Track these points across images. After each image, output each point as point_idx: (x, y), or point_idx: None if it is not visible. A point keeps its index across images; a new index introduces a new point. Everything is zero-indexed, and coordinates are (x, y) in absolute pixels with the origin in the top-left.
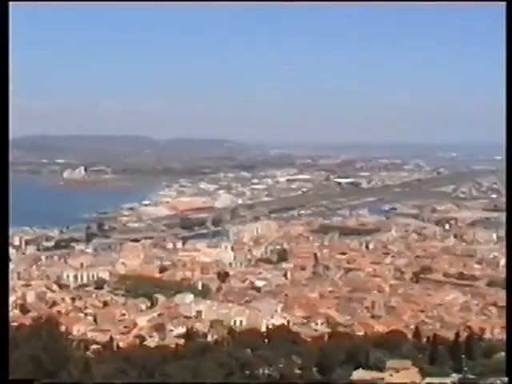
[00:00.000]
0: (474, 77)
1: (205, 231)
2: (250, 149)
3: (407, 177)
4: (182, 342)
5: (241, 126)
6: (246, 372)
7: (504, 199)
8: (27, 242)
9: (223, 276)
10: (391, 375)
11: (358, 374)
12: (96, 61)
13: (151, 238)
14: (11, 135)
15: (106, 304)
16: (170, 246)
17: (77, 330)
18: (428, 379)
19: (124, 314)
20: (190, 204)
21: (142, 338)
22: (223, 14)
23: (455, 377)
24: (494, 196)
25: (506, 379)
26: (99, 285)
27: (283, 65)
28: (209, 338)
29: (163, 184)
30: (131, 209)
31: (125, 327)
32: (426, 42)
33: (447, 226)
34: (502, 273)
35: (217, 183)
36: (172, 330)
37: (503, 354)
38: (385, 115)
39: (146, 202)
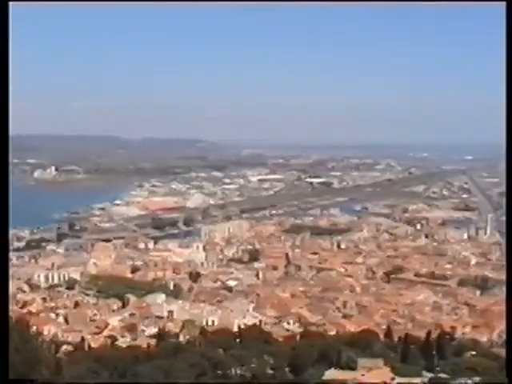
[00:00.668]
0: (447, 78)
1: (176, 231)
2: (222, 149)
3: (379, 177)
4: (153, 342)
5: (213, 125)
6: (219, 372)
7: (475, 199)
8: None
9: (195, 276)
10: (363, 374)
11: (331, 374)
12: (68, 61)
13: (123, 238)
14: None
15: (77, 304)
16: (141, 246)
17: (48, 330)
18: (399, 379)
19: (95, 314)
20: (161, 204)
21: (114, 339)
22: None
23: (427, 375)
24: (465, 196)
25: (476, 379)
26: (70, 285)
27: (256, 66)
28: (181, 338)
29: (135, 184)
30: (102, 209)
31: (96, 327)
32: (407, 43)
33: (418, 226)
34: (473, 272)
35: (188, 183)
36: (144, 330)
37: (474, 352)
38: (356, 115)
39: (118, 202)
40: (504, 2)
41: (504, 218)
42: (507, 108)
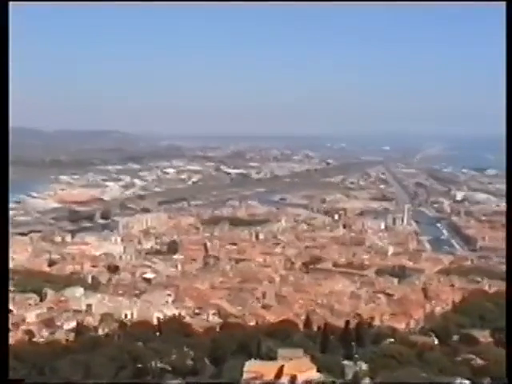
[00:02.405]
0: (367, 72)
1: (94, 224)
2: (138, 140)
3: (297, 167)
4: (72, 336)
5: (130, 116)
6: (138, 365)
7: (392, 189)
8: None
9: (113, 269)
10: (283, 364)
11: (251, 364)
12: None
13: (39, 231)
14: None
15: None
16: (58, 239)
17: None
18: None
19: (12, 310)
20: (78, 196)
21: (32, 334)
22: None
23: (347, 364)
24: (382, 186)
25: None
26: None
27: (174, 57)
28: (100, 332)
29: (51, 176)
30: (18, 202)
31: (13, 323)
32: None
33: (336, 216)
34: (390, 261)
35: (105, 175)
36: (62, 325)
37: (392, 340)
38: (274, 107)
39: (33, 195)
40: (504, 2)
41: (421, 209)
42: (507, 107)
